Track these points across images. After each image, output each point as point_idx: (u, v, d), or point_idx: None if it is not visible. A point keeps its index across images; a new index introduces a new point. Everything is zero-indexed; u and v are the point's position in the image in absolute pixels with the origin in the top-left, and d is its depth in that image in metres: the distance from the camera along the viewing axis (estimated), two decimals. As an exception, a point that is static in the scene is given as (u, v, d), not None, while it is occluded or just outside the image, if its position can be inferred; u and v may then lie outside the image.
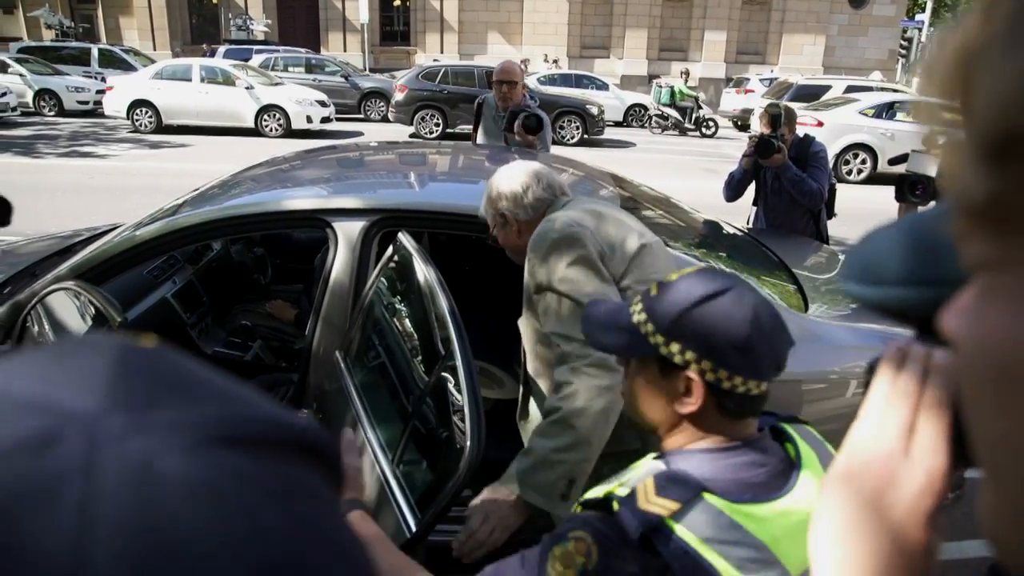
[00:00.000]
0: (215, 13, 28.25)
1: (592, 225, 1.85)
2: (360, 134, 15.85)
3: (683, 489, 1.01)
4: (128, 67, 19.24)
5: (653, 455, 1.14)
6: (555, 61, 24.96)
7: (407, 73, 17.12)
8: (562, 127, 15.83)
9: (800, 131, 4.54)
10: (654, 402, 1.14)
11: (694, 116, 18.10)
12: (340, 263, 2.48)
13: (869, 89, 15.88)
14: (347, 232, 2.49)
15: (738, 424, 1.10)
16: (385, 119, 17.85)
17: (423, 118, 15.73)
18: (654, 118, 18.53)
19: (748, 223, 4.63)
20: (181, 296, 3.30)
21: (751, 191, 4.55)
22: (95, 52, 20.53)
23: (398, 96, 16.00)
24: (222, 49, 20.28)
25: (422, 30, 28.33)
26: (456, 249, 3.64)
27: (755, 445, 1.10)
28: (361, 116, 18.62)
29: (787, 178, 4.17)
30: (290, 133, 15.04)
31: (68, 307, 2.05)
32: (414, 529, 1.46)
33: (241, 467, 0.29)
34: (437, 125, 15.73)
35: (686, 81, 19.12)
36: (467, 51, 27.33)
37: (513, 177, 2.04)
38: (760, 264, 3.17)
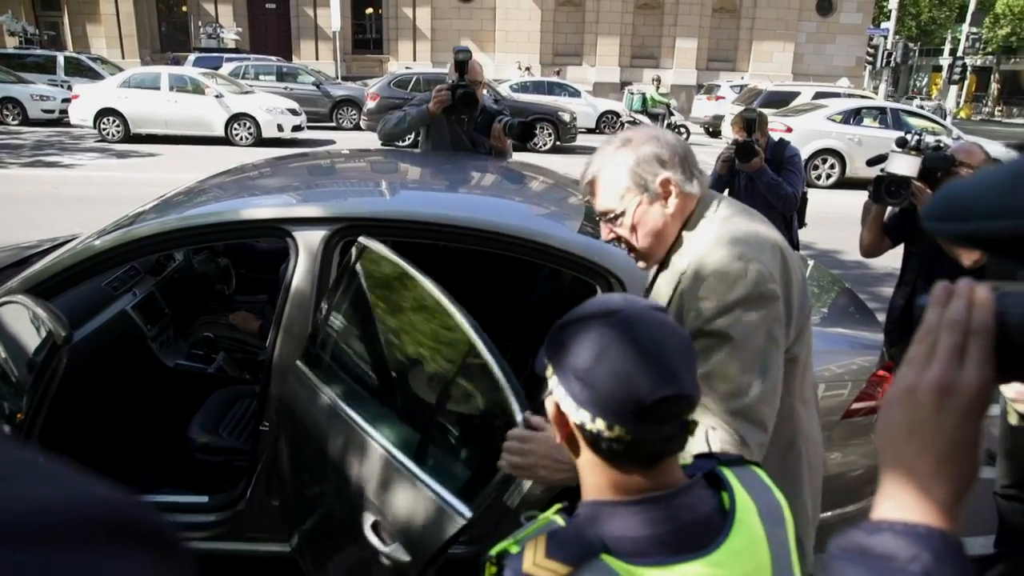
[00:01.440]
0: (185, 21, 27.99)
1: (779, 275, 1.55)
2: (332, 142, 15.75)
3: (576, 550, 0.90)
4: (95, 75, 18.96)
5: (558, 505, 1.03)
6: (527, 68, 25.04)
7: (379, 81, 17.07)
8: (534, 134, 15.87)
9: (773, 136, 4.58)
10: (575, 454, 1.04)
11: (666, 123, 18.24)
12: (300, 273, 2.44)
13: (837, 95, 16.11)
14: (308, 241, 2.45)
15: (647, 471, 0.96)
16: (357, 127, 17.77)
17: (395, 126, 15.67)
18: (626, 125, 18.64)
19: None
20: (142, 308, 3.23)
21: None
22: (61, 60, 20.21)
23: (370, 104, 15.95)
24: (192, 57, 20.10)
25: (394, 38, 28.29)
26: (427, 261, 3.58)
27: (676, 496, 0.96)
28: (333, 124, 18.52)
29: (763, 182, 4.16)
30: (261, 142, 14.92)
31: (20, 320, 1.99)
32: (470, 513, 1.55)
33: (17, 565, 0.24)
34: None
35: (658, 88, 19.26)
36: (440, 59, 27.30)
37: (666, 138, 1.62)
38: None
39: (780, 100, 16.00)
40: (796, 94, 16.66)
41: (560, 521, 0.98)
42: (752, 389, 1.47)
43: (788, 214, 4.28)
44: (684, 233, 1.62)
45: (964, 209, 0.60)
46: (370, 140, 15.49)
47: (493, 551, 0.98)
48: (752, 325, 1.49)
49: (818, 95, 16.15)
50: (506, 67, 26.31)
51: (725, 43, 29.07)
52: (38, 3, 27.78)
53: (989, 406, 0.61)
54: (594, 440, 0.95)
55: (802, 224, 4.59)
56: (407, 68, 21.42)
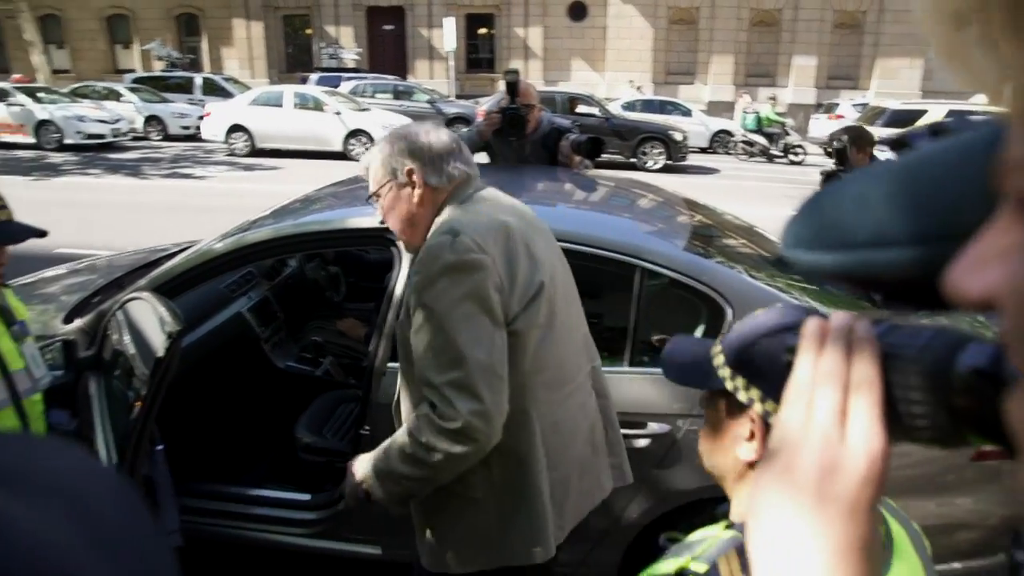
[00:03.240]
0: (308, 43, 29.41)
1: (498, 250, 1.64)
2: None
3: None
4: (227, 94, 20.20)
5: (724, 523, 1.00)
6: (639, 87, 24.89)
7: (489, 99, 17.37)
8: (644, 153, 15.74)
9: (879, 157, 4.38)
10: (718, 445, 1.02)
11: (782, 142, 17.67)
12: (402, 281, 2.50)
13: (972, 113, 15.18)
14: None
15: None
16: (468, 144, 18.10)
17: (504, 143, 15.89)
18: (740, 144, 18.18)
19: None
20: (256, 310, 3.39)
21: None
22: (198, 81, 21.66)
23: (479, 121, 16.20)
24: (314, 77, 21.09)
25: (506, 57, 28.74)
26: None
27: None
28: (445, 141, 18.95)
29: None
30: (376, 157, 15.43)
31: (145, 315, 2.12)
32: None
33: None
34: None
35: (773, 107, 18.71)
36: (551, 78, 27.56)
37: (435, 133, 1.80)
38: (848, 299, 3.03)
39: (906, 119, 15.21)
40: (923, 112, 15.81)
41: (740, 537, 0.93)
42: (462, 359, 1.54)
43: None
44: (436, 221, 1.75)
45: (840, 233, 0.43)
46: (477, 157, 15.73)
47: (654, 570, 0.96)
48: (457, 297, 1.56)
49: (951, 113, 15.27)
50: (617, 86, 26.23)
51: (846, 60, 27.94)
52: (182, 29, 29.92)
53: (882, 488, 0.48)
54: None
55: None
56: (518, 87, 21.72)
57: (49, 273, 3.75)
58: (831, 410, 0.47)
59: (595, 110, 16.22)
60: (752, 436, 0.96)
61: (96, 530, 0.28)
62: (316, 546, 2.64)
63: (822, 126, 20.21)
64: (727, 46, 27.49)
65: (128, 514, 0.31)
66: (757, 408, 0.92)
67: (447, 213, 1.74)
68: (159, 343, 1.76)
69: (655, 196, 3.36)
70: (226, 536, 2.70)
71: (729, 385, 0.96)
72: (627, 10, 27.47)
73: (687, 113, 19.62)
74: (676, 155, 15.91)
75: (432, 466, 1.61)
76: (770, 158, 17.69)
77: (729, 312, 2.35)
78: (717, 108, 24.92)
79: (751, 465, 0.97)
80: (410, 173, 1.74)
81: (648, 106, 19.65)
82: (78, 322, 2.72)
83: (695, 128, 18.63)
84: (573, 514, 1.86)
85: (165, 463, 1.98)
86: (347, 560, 2.67)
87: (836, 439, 0.47)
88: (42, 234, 1.82)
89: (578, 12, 28.34)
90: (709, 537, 0.97)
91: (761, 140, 17.73)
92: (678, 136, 15.96)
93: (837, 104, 20.62)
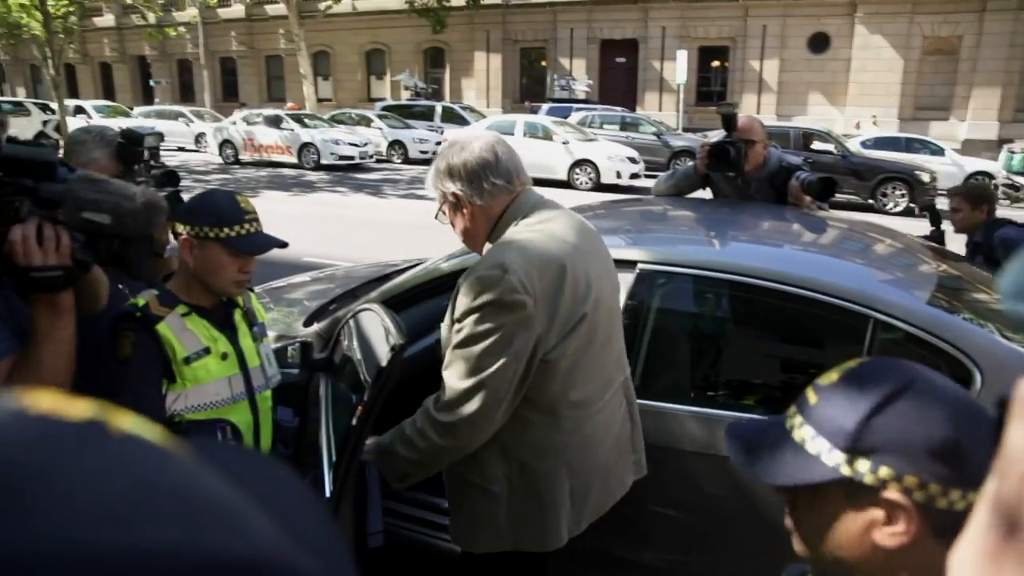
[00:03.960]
0: (543, 74, 30.57)
1: (543, 287, 1.76)
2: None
3: None
4: (464, 122, 21.52)
5: None
6: (875, 122, 23.09)
7: (717, 132, 16.97)
8: (884, 194, 14.54)
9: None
10: (846, 538, 0.89)
11: (1055, 188, 15.55)
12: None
13: None
14: (625, 281, 2.48)
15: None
16: (691, 177, 17.79)
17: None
18: (1002, 188, 16.22)
19: None
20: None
21: None
22: (438, 109, 23.29)
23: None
24: (545, 107, 21.84)
25: (739, 90, 27.98)
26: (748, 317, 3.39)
27: None
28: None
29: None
30: (599, 187, 15.65)
31: (374, 326, 2.28)
32: None
33: None
34: (744, 185, 15.31)
35: (1047, 148, 16.53)
36: (785, 112, 26.39)
37: (470, 150, 1.87)
38: None
39: None
40: None
41: None
42: (476, 375, 1.74)
43: None
44: (493, 234, 1.91)
45: None
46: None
47: None
48: (491, 328, 1.72)
49: None
50: (859, 121, 24.57)
51: None
52: (428, 62, 32.43)
53: None
54: (953, 521, 0.81)
55: None
56: (749, 120, 21.03)
57: (296, 279, 4.17)
58: None
59: (831, 147, 15.27)
60: (892, 518, 0.85)
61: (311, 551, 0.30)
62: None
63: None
64: (994, 77, 24.71)
65: (333, 538, 0.32)
66: (894, 488, 0.84)
67: (507, 235, 1.87)
68: (383, 353, 1.87)
69: (894, 241, 3.08)
70: (424, 544, 2.82)
71: (847, 471, 0.86)
72: (875, 41, 25.70)
73: (938, 151, 17.86)
74: (922, 197, 14.51)
75: (420, 451, 1.86)
76: (1039, 205, 15.61)
77: (977, 377, 2.07)
78: (975, 147, 22.46)
79: (895, 553, 0.85)
80: (456, 196, 1.89)
81: (892, 143, 18.14)
82: (315, 326, 2.99)
83: (946, 168, 16.88)
84: (593, 510, 2.00)
85: (377, 467, 2.11)
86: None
87: None
88: (283, 245, 1.97)
89: (819, 44, 26.95)
90: None
91: (1028, 184, 15.72)
92: (925, 177, 14.55)
93: None
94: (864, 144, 17.40)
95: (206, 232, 1.87)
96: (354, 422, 1.87)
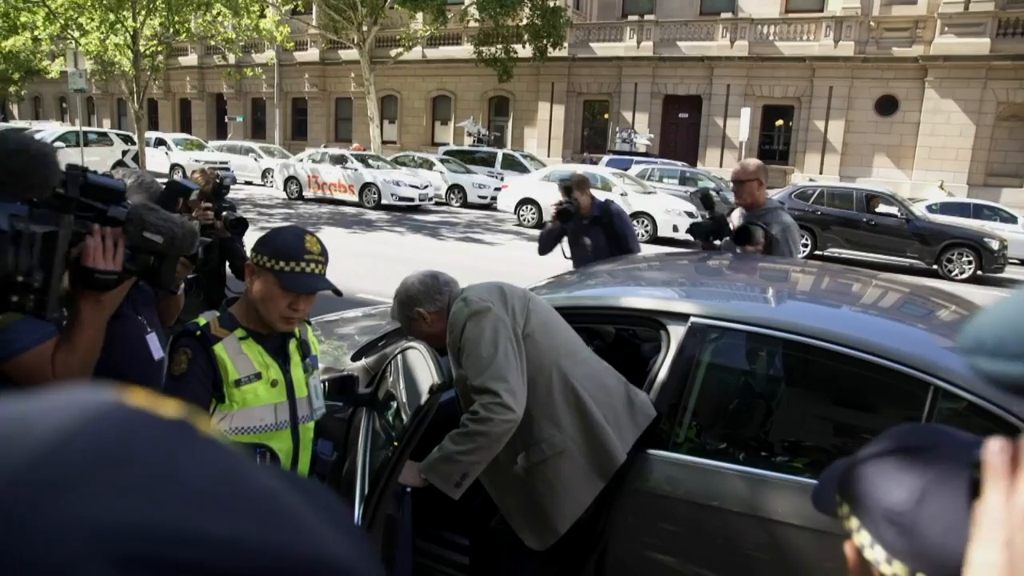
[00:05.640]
0: (605, 127, 30.84)
1: (494, 298, 2.41)
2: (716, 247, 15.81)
3: None
4: (524, 169, 21.76)
5: None
6: (949, 192, 22.53)
7: (780, 191, 16.78)
8: (950, 260, 14.10)
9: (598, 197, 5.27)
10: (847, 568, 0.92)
11: None
12: (667, 367, 2.45)
13: None
14: (677, 335, 2.45)
15: None
16: (750, 234, 17.61)
17: (790, 237, 15.18)
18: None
19: None
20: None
21: None
22: (499, 155, 23.63)
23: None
24: (605, 159, 21.96)
25: (802, 150, 27.74)
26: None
27: None
28: (726, 229, 18.60)
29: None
30: (655, 239, 15.58)
31: (418, 365, 2.29)
32: None
33: None
34: (805, 246, 15.06)
35: None
36: (849, 173, 26.01)
37: (419, 281, 2.52)
38: None
39: None
40: None
41: None
42: (486, 366, 2.24)
43: None
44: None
45: (1021, 344, 0.39)
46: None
47: None
48: (481, 329, 2.30)
49: None
50: (925, 186, 24.06)
51: None
52: (492, 110, 33.05)
53: None
54: None
55: None
56: (811, 180, 20.78)
57: (349, 314, 4.23)
58: None
59: (895, 209, 14.95)
60: (851, 567, 0.87)
61: None
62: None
63: None
64: (1070, 148, 23.99)
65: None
66: (855, 539, 0.85)
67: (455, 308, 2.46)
68: (423, 392, 1.88)
69: (959, 308, 2.97)
70: None
71: (839, 511, 0.90)
72: (946, 105, 25.26)
73: (1010, 219, 17.32)
74: (989, 266, 14.05)
75: (473, 441, 2.20)
76: (1118, 280, 14.94)
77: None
78: (1050, 218, 21.70)
79: None
80: (421, 315, 2.47)
81: (960, 209, 17.67)
82: (363, 361, 3.01)
83: (1017, 237, 16.34)
84: (625, 429, 2.42)
85: (410, 506, 2.10)
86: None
87: None
88: (336, 292, 1.99)
89: (887, 106, 26.61)
90: None
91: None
92: (994, 244, 14.09)
93: None
94: (930, 209, 17.00)
95: (264, 261, 1.92)
96: (387, 457, 1.87)
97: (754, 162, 4.34)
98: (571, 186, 5.07)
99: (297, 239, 1.94)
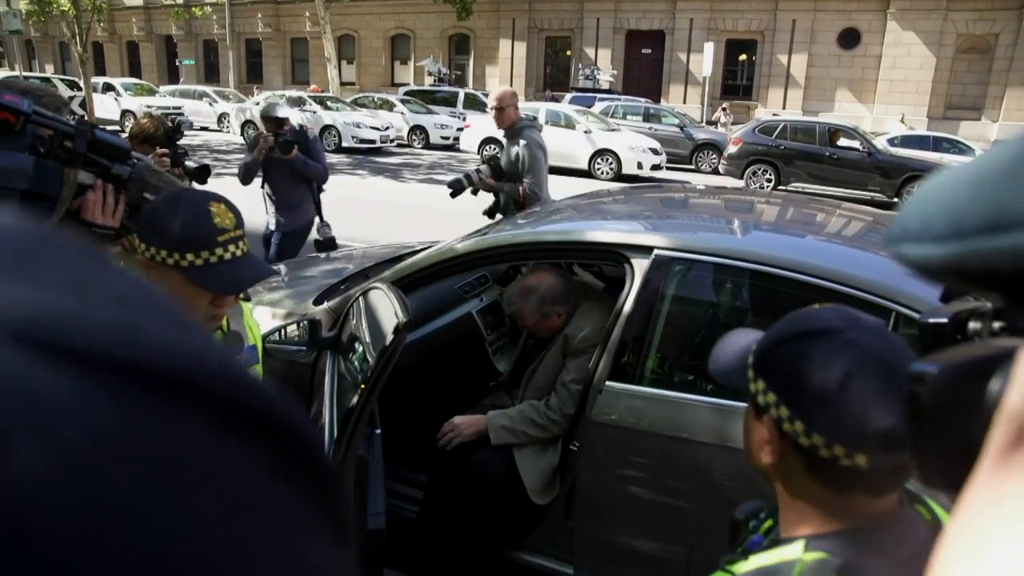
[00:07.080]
0: (567, 64, 30.39)
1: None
2: (687, 183, 15.84)
3: None
4: (486, 109, 21.43)
5: (803, 540, 0.92)
6: (911, 128, 22.73)
7: (743, 127, 16.77)
8: (910, 193, 14.29)
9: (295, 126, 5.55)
10: (753, 448, 0.99)
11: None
12: (632, 299, 2.43)
13: None
14: (641, 267, 2.43)
15: (873, 499, 0.91)
16: (715, 171, 17.64)
17: (754, 172, 15.25)
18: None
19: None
20: (485, 313, 3.49)
21: None
22: (461, 95, 23.21)
23: (731, 149, 15.71)
24: (568, 96, 21.67)
25: (765, 85, 27.67)
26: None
27: (902, 520, 0.92)
28: (692, 167, 18.61)
29: (300, 164, 5.16)
30: (620, 177, 15.53)
31: (382, 305, 2.24)
32: None
33: (53, 388, 0.18)
34: (768, 181, 15.14)
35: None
36: (811, 108, 26.06)
37: (560, 283, 2.75)
38: None
39: None
40: None
41: (830, 557, 0.88)
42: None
43: (318, 184, 5.46)
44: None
45: (951, 219, 0.35)
46: (727, 185, 15.35)
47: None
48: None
49: None
50: (886, 120, 24.23)
51: None
52: (453, 48, 32.32)
53: None
54: (821, 465, 0.90)
55: (322, 190, 5.63)
56: (774, 115, 20.78)
57: (311, 258, 4.15)
58: None
59: (857, 143, 15.05)
60: (768, 440, 0.94)
61: None
62: (511, 554, 2.65)
63: None
64: (1028, 79, 24.26)
65: None
66: (772, 412, 0.92)
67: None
68: (387, 332, 1.83)
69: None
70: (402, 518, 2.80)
71: (752, 387, 0.95)
72: (907, 37, 25.29)
73: (967, 151, 17.57)
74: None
75: (542, 430, 2.57)
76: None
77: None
78: (1006, 149, 22.01)
79: (776, 471, 0.96)
80: (556, 313, 2.73)
81: (920, 142, 17.86)
82: (326, 304, 2.96)
83: (976, 169, 16.58)
84: None
85: (380, 447, 2.08)
86: (533, 571, 2.65)
87: None
88: (271, 274, 1.86)
89: (850, 40, 26.57)
90: (784, 562, 0.90)
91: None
92: (953, 176, 14.29)
93: None
94: (891, 142, 17.15)
95: (164, 257, 1.42)
96: (355, 400, 1.83)
97: (509, 89, 5.07)
98: (283, 120, 5.22)
99: (202, 216, 1.44)
